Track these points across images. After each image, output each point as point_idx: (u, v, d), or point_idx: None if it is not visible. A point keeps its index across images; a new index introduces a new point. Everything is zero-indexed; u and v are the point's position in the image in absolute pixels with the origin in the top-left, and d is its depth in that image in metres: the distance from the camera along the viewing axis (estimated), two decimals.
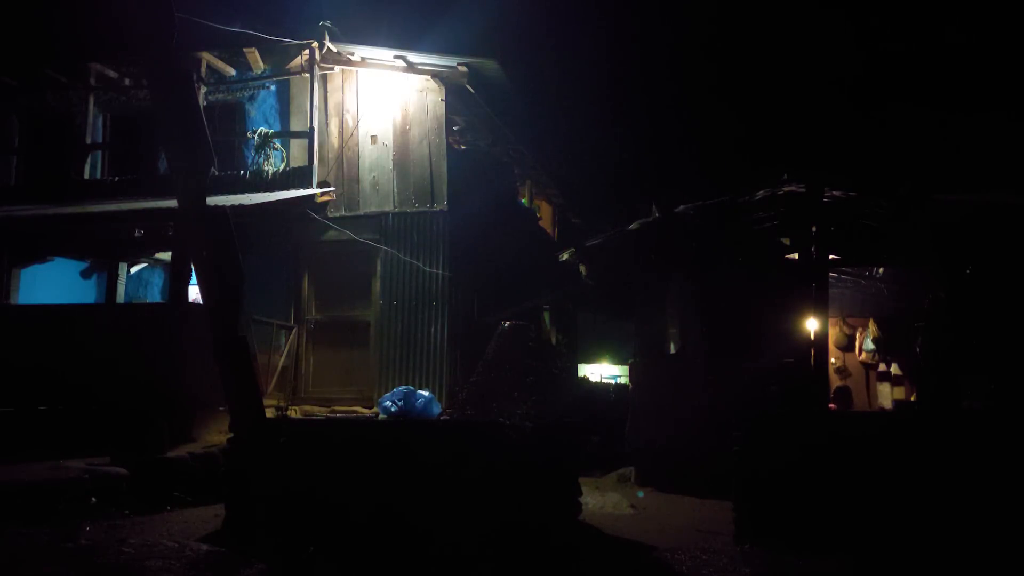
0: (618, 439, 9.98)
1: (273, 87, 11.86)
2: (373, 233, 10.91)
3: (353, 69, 11.36)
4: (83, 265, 12.25)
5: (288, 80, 11.66)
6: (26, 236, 10.62)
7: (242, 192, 10.59)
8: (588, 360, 20.09)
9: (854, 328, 11.81)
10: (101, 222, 10.10)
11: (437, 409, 6.77)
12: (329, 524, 5.67)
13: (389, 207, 10.98)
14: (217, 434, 8.28)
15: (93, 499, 6.49)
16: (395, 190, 11.00)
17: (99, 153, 12.26)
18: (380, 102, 11.23)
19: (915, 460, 6.10)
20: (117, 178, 11.72)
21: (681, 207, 9.02)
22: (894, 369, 11.47)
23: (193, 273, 7.42)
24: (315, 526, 5.65)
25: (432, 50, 10.94)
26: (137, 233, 10.48)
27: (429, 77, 10.96)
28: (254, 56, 11.48)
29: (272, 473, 5.97)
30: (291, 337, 10.89)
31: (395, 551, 5.46)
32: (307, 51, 11.21)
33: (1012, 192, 8.77)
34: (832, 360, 11.23)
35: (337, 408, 10.04)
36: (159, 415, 8.14)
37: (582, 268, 11.24)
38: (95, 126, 12.18)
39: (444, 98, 10.96)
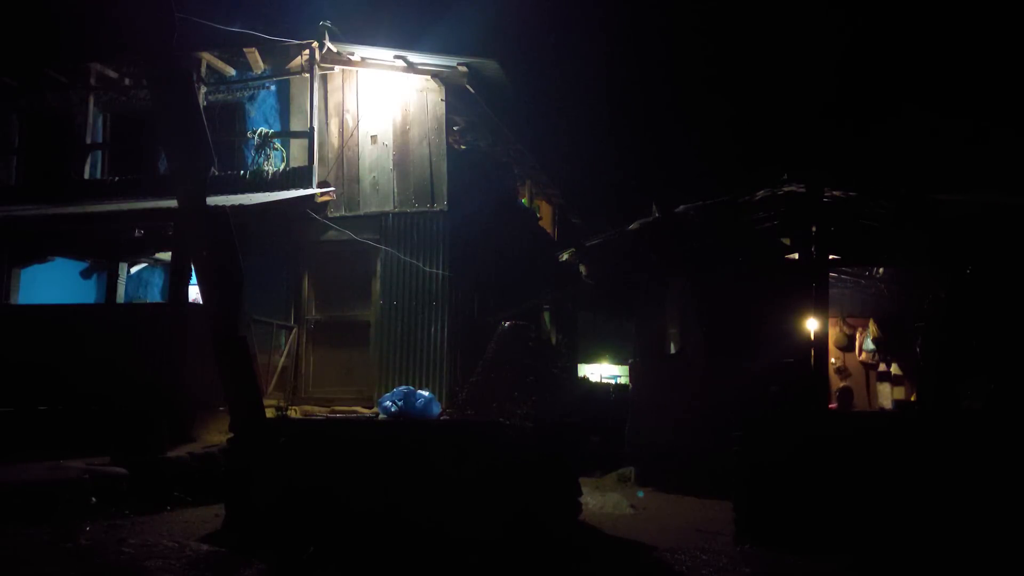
0: (618, 439, 9.98)
1: (273, 87, 11.86)
2: (373, 233, 10.92)
3: (353, 69, 11.36)
4: (83, 265, 12.25)
5: (288, 80, 11.66)
6: (26, 236, 10.61)
7: (242, 192, 10.59)
8: (588, 360, 20.09)
9: (854, 328, 11.81)
10: (101, 222, 10.10)
11: (437, 409, 6.76)
12: (329, 524, 5.67)
13: (389, 207, 10.98)
14: (217, 434, 8.27)
15: (93, 499, 6.48)
16: (395, 190, 11.00)
17: (99, 153, 12.26)
18: (380, 102, 11.23)
19: (915, 460, 6.10)
20: (117, 178, 11.73)
21: (681, 207, 9.02)
22: (894, 369, 11.48)
23: (193, 273, 7.42)
24: (315, 526, 5.65)
25: (432, 50, 10.95)
26: (137, 233, 10.48)
27: (429, 77, 10.96)
28: (254, 56, 11.48)
29: (272, 473, 5.96)
30: (291, 337, 10.89)
31: (395, 551, 5.45)
32: (307, 51, 11.21)
33: (1012, 192, 8.77)
34: (832, 360, 11.23)
35: (337, 408, 10.04)
36: (159, 415, 8.12)
37: (582, 268, 11.25)
38: (95, 126, 12.17)
39: (444, 98, 10.96)
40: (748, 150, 20.33)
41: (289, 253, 11.22)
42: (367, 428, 6.56)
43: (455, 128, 11.93)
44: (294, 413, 9.64)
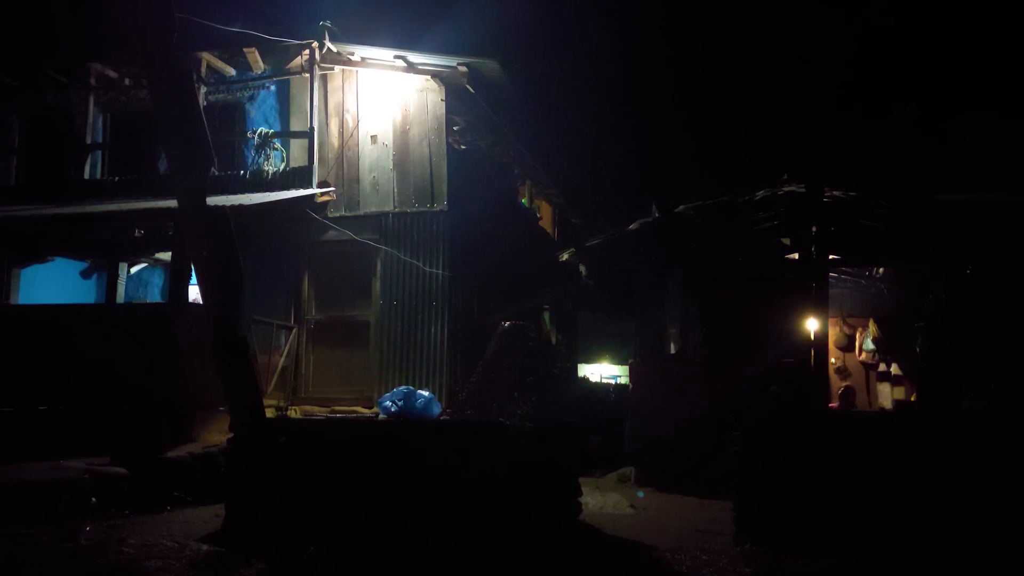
0: (618, 439, 9.98)
1: (273, 87, 11.86)
2: (373, 233, 10.91)
3: (353, 69, 11.36)
4: (83, 265, 12.25)
5: (288, 80, 11.66)
6: (26, 236, 10.62)
7: (242, 192, 10.59)
8: (588, 360, 20.09)
9: (854, 328, 11.81)
10: (101, 222, 10.10)
11: (437, 409, 6.76)
12: (329, 524, 5.67)
13: (389, 207, 10.98)
14: (217, 434, 8.27)
15: (93, 499, 6.48)
16: (395, 190, 11.00)
17: (99, 153, 12.26)
18: (380, 102, 11.23)
19: (915, 460, 6.10)
20: (117, 178, 11.72)
21: (681, 207, 9.02)
22: (894, 369, 11.47)
23: (193, 273, 7.42)
24: (315, 526, 5.64)
25: (432, 50, 10.95)
26: (137, 233, 10.47)
27: (429, 77, 10.96)
28: (254, 56, 11.48)
29: (272, 473, 5.96)
30: (291, 337, 10.89)
31: (395, 551, 5.45)
32: (307, 51, 11.21)
33: (1012, 192, 8.77)
34: (832, 360, 11.22)
35: (337, 408, 10.04)
36: (159, 415, 8.13)
37: (582, 268, 11.25)
38: (95, 126, 12.17)
39: (444, 98, 10.96)
40: (748, 150, 20.35)
41: (289, 253, 11.22)
42: (367, 428, 6.56)
43: (455, 128, 11.93)
44: (294, 413, 9.64)
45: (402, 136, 11.08)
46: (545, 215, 16.35)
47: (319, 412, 9.76)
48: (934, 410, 7.68)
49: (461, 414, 7.82)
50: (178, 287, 9.20)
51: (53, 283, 11.72)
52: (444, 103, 10.96)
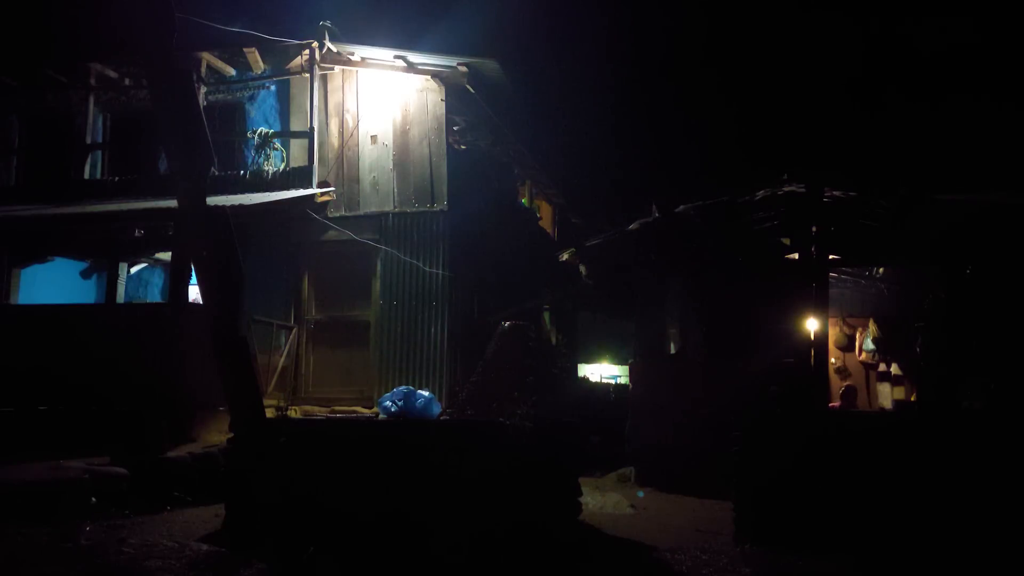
0: (618, 439, 9.98)
1: (273, 87, 11.85)
2: (373, 233, 10.92)
3: (353, 69, 11.37)
4: (83, 265, 12.25)
5: (288, 80, 11.66)
6: (26, 236, 10.61)
7: (242, 192, 10.60)
8: (588, 360, 20.09)
9: (854, 328, 11.81)
10: (101, 222, 10.09)
11: (437, 409, 6.76)
12: (329, 524, 5.67)
13: (389, 207, 10.98)
14: (217, 434, 8.27)
15: (93, 499, 6.48)
16: (395, 190, 11.00)
17: (99, 153, 12.26)
18: (380, 102, 11.23)
19: (915, 460, 6.10)
20: (117, 178, 11.73)
21: (681, 207, 9.02)
22: (894, 369, 11.47)
23: (193, 273, 7.42)
24: (315, 526, 5.65)
25: (432, 50, 10.95)
26: (137, 233, 10.47)
27: (429, 77, 10.96)
28: (254, 56, 11.49)
29: (272, 473, 5.96)
30: (291, 337, 10.89)
31: (395, 551, 5.46)
32: (307, 51, 11.21)
33: (1012, 192, 8.78)
34: (832, 360, 11.22)
35: (337, 408, 10.04)
36: (159, 415, 8.13)
37: (582, 268, 11.24)
38: (95, 126, 12.17)
39: (444, 98, 10.96)
40: (749, 150, 20.36)
41: (289, 253, 11.22)
42: (367, 428, 6.57)
43: (455, 128, 11.93)
44: (294, 413, 9.63)
45: (402, 136, 11.08)
46: (545, 215, 16.35)
47: (319, 412, 9.76)
48: (934, 410, 7.68)
49: (461, 414, 7.82)
50: (178, 287, 9.19)
51: (53, 283, 11.72)
52: (444, 103, 10.96)
